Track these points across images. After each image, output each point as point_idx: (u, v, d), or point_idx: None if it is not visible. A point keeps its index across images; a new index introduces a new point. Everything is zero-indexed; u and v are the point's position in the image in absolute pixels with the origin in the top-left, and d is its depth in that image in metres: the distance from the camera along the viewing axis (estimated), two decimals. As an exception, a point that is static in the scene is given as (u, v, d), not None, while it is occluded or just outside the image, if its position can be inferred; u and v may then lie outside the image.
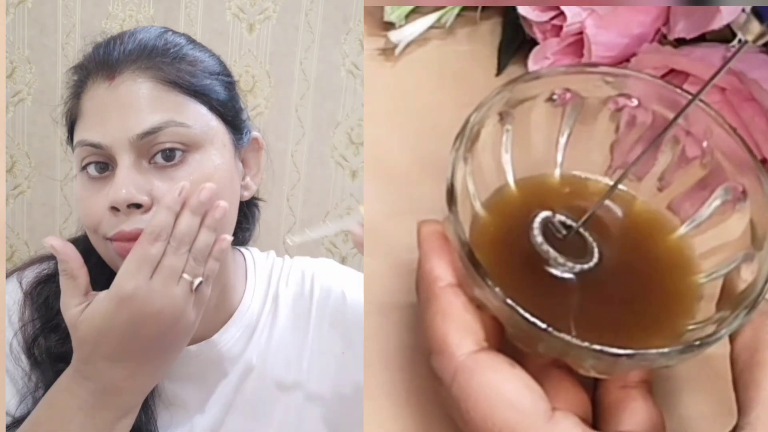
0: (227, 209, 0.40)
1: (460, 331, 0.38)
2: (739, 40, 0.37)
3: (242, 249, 0.52)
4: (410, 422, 0.45)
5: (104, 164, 0.41)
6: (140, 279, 0.37)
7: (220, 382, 0.47)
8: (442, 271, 0.39)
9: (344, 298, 0.50)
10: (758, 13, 0.37)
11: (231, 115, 0.45)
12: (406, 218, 0.46)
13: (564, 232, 0.43)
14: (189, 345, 0.46)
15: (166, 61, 0.42)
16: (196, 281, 0.39)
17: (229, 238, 0.41)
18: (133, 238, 0.39)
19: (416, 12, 0.64)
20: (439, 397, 0.39)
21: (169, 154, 0.40)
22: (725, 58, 0.49)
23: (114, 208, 0.40)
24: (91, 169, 0.41)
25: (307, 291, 0.50)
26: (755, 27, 0.37)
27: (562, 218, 0.43)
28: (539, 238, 0.42)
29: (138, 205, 0.40)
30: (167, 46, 0.43)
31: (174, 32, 0.45)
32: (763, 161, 0.48)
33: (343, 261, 0.93)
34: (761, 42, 0.37)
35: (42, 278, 0.46)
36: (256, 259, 0.51)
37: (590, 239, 0.43)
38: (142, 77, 0.41)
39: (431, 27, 0.64)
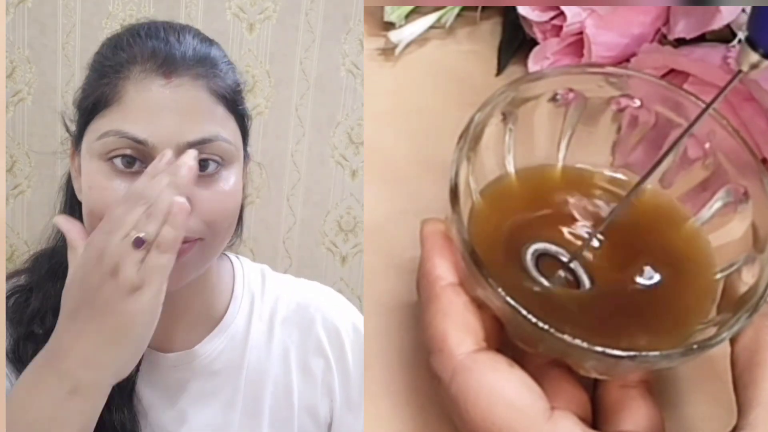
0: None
1: (459, 330, 0.38)
2: (740, 40, 0.37)
3: (231, 256, 0.50)
4: (410, 422, 0.45)
5: (132, 158, 0.40)
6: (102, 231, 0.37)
7: (197, 398, 0.46)
8: (444, 271, 0.39)
9: (339, 335, 0.48)
10: (752, 41, 0.37)
11: (247, 133, 0.45)
12: (406, 218, 0.46)
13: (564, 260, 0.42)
14: (167, 353, 0.45)
15: (219, 74, 0.42)
16: (140, 234, 0.36)
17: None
18: None
19: (416, 12, 0.64)
20: (438, 397, 0.39)
21: (203, 165, 0.40)
22: (725, 58, 0.49)
23: None
24: (118, 162, 0.40)
25: (306, 321, 0.48)
26: (751, 56, 0.37)
27: (556, 249, 0.43)
28: (534, 272, 0.41)
29: None
30: (217, 59, 0.43)
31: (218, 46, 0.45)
32: (763, 161, 0.48)
33: (343, 261, 0.93)
34: (757, 70, 0.37)
35: (15, 289, 0.45)
36: (245, 268, 0.50)
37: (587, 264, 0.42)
38: (199, 84, 0.41)
39: (431, 27, 0.64)
